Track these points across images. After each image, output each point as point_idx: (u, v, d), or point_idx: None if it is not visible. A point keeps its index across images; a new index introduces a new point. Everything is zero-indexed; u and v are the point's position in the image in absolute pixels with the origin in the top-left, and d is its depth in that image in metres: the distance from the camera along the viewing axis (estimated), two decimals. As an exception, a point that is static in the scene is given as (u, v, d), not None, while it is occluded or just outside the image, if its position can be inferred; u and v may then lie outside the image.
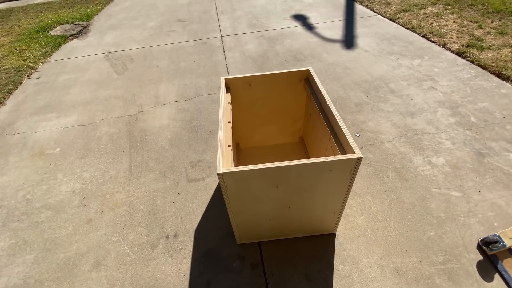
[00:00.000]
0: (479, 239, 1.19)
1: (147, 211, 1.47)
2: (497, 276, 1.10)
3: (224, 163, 0.94)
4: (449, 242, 1.21)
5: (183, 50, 3.16)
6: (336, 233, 1.28)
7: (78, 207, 1.54)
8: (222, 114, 1.12)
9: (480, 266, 1.13)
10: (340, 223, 1.32)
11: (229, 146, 1.04)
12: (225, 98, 1.27)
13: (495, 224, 1.26)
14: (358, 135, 1.80)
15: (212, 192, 1.54)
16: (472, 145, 1.65)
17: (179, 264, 1.23)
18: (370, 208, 1.37)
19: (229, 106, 1.27)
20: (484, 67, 2.28)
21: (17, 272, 1.27)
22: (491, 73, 2.22)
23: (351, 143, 0.91)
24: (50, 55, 3.39)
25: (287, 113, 1.58)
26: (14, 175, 1.77)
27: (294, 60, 2.76)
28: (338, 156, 0.86)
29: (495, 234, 1.14)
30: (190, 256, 1.26)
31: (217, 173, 0.85)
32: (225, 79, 1.37)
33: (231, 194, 0.95)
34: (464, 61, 2.42)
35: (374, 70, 2.45)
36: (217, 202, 1.48)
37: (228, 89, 1.39)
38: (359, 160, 0.87)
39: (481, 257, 1.16)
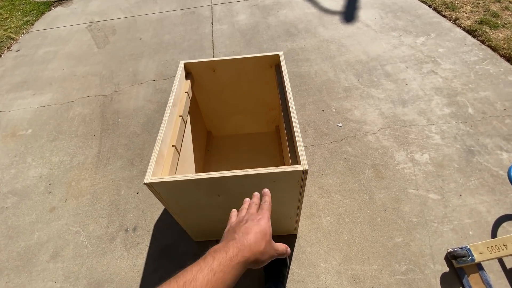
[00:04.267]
0: (448, 250, 1.11)
1: (109, 201, 1.43)
2: (461, 289, 1.04)
3: (162, 170, 0.86)
4: (415, 250, 1.14)
5: (169, 20, 2.93)
6: (298, 234, 1.22)
7: (43, 194, 1.51)
8: (170, 106, 1.01)
9: (444, 279, 1.06)
10: (304, 223, 1.25)
11: (173, 146, 0.94)
12: (180, 87, 1.14)
13: (470, 233, 1.17)
14: (340, 125, 1.66)
15: (179, 183, 1.48)
16: (464, 141, 1.50)
17: (134, 259, 1.21)
18: (338, 209, 1.29)
19: (186, 96, 1.15)
20: (494, 49, 2.02)
21: (-21, 258, 1.29)
22: (501, 56, 1.96)
23: (299, 152, 0.80)
24: (32, 24, 3.22)
25: (260, 102, 1.44)
26: (-15, 157, 1.75)
27: (287, 34, 2.52)
28: (280, 167, 0.76)
29: (465, 247, 1.05)
30: (147, 251, 1.23)
31: (144, 183, 0.77)
32: (184, 63, 1.23)
33: (168, 201, 0.88)
34: (474, 40, 2.15)
35: (372, 49, 2.21)
36: (182, 194, 1.43)
37: (189, 75, 1.26)
38: (304, 172, 0.76)
39: (447, 269, 1.08)
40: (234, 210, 0.54)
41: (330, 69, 2.08)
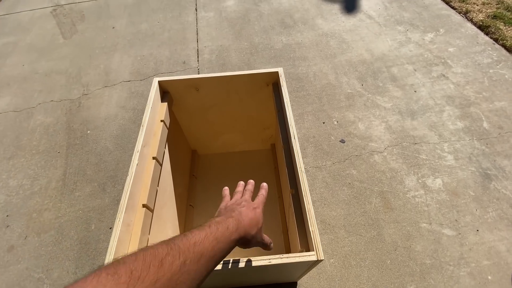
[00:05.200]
0: (467, 302, 0.99)
1: (78, 239, 1.22)
2: None
3: (129, 244, 0.65)
4: (430, 300, 1.02)
5: (147, 5, 2.57)
6: (298, 282, 1.07)
7: (0, 228, 1.28)
8: (138, 150, 0.78)
9: (462, 334, 0.95)
10: (305, 267, 1.10)
11: (144, 206, 0.73)
12: (153, 115, 0.91)
13: (489, 277, 1.05)
14: (344, 142, 1.47)
15: (160, 214, 1.28)
16: (479, 162, 1.35)
17: (107, 316, 1.03)
18: (343, 248, 1.14)
19: (162, 126, 0.92)
20: (509, 49, 1.84)
21: None
22: (519, 60, 1.79)
23: (311, 230, 0.61)
24: (-13, 6, 2.76)
25: (253, 121, 1.23)
26: None
27: (281, 25, 2.24)
28: (286, 256, 0.57)
29: (488, 302, 0.93)
30: (122, 305, 1.06)
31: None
32: (159, 81, 0.98)
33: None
34: (486, 38, 1.96)
35: (376, 47, 1.99)
36: (164, 229, 1.23)
37: (166, 95, 1.02)
38: (317, 262, 0.58)
39: (465, 323, 0.97)
40: (226, 188, 0.58)
41: (330, 71, 1.85)
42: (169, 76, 1.88)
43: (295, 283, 1.06)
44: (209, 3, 2.53)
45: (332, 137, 1.50)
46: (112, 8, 2.56)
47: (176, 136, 1.15)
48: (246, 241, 0.44)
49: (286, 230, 1.08)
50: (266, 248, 0.51)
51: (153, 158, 0.83)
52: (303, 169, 0.71)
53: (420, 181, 1.31)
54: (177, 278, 0.29)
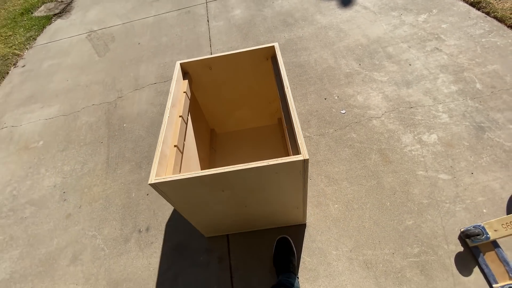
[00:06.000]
0: (461, 229, 1.09)
1: (122, 205, 1.47)
2: (476, 269, 1.02)
3: (166, 170, 0.87)
4: (427, 232, 1.12)
5: (166, 22, 2.94)
6: (307, 224, 1.22)
7: (59, 202, 1.57)
8: (169, 107, 1.02)
9: (459, 258, 1.05)
10: (313, 212, 1.25)
11: (175, 146, 0.95)
12: (178, 87, 1.15)
13: (484, 211, 1.14)
14: (344, 112, 1.64)
15: (187, 182, 1.50)
16: (473, 117, 1.46)
17: (149, 258, 1.25)
18: (346, 196, 1.28)
19: (184, 96, 1.16)
20: (500, 20, 1.93)
21: (5, 267, 1.35)
22: (508, 27, 1.87)
23: (299, 142, 0.79)
24: (35, 39, 3.29)
25: (259, 95, 1.44)
26: (2, 171, 1.82)
27: (283, 25, 2.49)
28: (281, 159, 0.76)
29: (479, 225, 1.03)
30: (160, 250, 1.27)
31: (149, 184, 0.78)
32: (180, 63, 1.23)
33: (175, 200, 0.90)
34: (478, 13, 2.06)
35: (372, 32, 2.16)
36: (191, 193, 1.45)
37: (186, 75, 1.26)
38: (305, 161, 0.76)
39: (461, 249, 1.07)
40: None
41: (330, 56, 2.04)
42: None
43: (303, 225, 1.22)
44: (219, 14, 2.85)
45: (333, 110, 1.67)
46: (136, 28, 2.97)
47: (197, 115, 1.38)
48: None
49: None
50: None
51: (180, 116, 1.06)
52: (294, 108, 0.90)
53: (416, 137, 1.43)
54: None
